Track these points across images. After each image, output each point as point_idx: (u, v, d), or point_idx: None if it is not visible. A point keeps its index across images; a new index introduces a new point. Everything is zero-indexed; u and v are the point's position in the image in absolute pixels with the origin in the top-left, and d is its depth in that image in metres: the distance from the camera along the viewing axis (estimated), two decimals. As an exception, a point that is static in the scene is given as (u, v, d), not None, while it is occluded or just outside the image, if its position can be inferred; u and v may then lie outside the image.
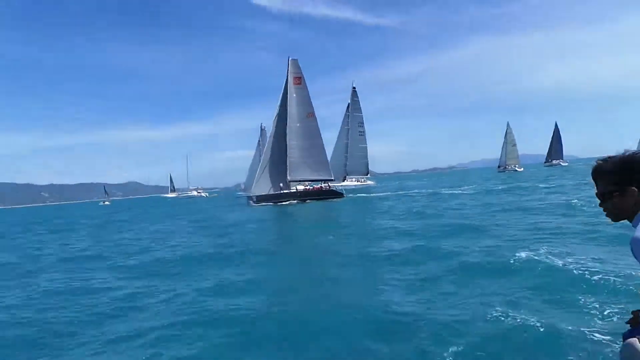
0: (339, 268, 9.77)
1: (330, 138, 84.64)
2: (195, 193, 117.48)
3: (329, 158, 72.97)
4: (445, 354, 4.53)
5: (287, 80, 46.54)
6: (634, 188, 1.79)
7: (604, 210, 1.92)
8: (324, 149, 47.75)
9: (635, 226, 1.83)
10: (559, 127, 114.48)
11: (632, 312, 2.23)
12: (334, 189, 45.37)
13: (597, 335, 4.55)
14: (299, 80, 46.72)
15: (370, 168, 76.04)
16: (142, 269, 11.26)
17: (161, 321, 6.30)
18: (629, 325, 2.20)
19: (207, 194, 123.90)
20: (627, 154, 1.83)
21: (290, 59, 47.09)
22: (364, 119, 72.29)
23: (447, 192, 39.16)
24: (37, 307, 7.86)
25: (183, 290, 8.33)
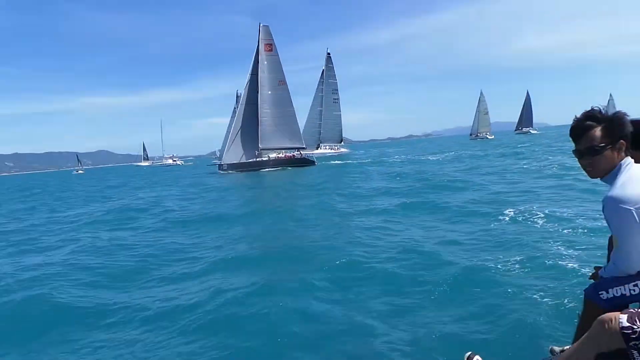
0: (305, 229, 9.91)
1: (305, 105, 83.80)
2: (170, 161, 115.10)
3: (302, 125, 72.69)
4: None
5: (258, 47, 45.49)
6: (623, 141, 1.89)
7: (585, 167, 1.98)
8: (295, 117, 47.45)
9: (610, 183, 1.92)
10: (530, 95, 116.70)
11: (595, 268, 2.30)
12: (306, 156, 45.44)
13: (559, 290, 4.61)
14: (270, 47, 45.65)
15: (345, 135, 75.99)
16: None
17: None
18: (592, 280, 2.27)
19: (182, 162, 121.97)
20: (612, 113, 1.93)
21: (261, 25, 45.72)
22: (338, 85, 71.66)
23: (423, 158, 39.97)
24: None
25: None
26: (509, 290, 4.74)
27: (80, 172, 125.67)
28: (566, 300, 4.25)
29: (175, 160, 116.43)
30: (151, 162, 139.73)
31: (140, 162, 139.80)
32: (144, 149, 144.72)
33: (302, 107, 77.96)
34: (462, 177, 18.57)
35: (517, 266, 5.60)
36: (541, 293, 4.55)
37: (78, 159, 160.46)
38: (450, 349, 3.50)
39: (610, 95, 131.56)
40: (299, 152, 45.73)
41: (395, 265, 6.21)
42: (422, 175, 21.80)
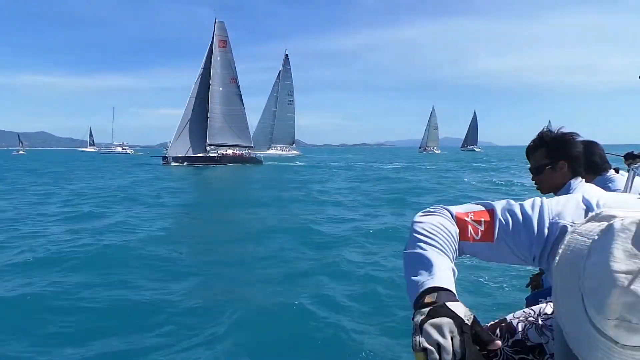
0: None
1: (261, 104, 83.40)
2: (120, 149, 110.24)
3: (255, 124, 72.22)
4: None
5: (212, 42, 45.07)
6: (563, 162, 1.94)
7: (536, 183, 2.04)
8: (245, 116, 47.44)
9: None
10: (477, 115, 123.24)
11: (532, 277, 2.28)
12: (255, 156, 45.39)
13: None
14: (225, 43, 45.41)
15: (299, 138, 76.92)
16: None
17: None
18: (529, 288, 2.23)
19: (132, 150, 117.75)
20: (558, 132, 1.99)
21: (216, 20, 45.59)
22: (294, 88, 71.97)
23: (360, 164, 41.24)
24: None
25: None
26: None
27: (21, 152, 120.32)
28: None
29: (125, 149, 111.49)
30: (98, 148, 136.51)
31: (86, 147, 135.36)
32: (91, 134, 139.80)
33: (258, 107, 77.55)
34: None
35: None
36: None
37: (20, 139, 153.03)
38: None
39: (549, 122, 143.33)
40: (247, 151, 45.63)
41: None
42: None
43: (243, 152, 45.46)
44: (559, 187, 1.98)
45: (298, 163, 48.36)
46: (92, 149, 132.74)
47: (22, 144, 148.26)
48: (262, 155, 58.01)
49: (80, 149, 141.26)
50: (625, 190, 1.96)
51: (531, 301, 1.78)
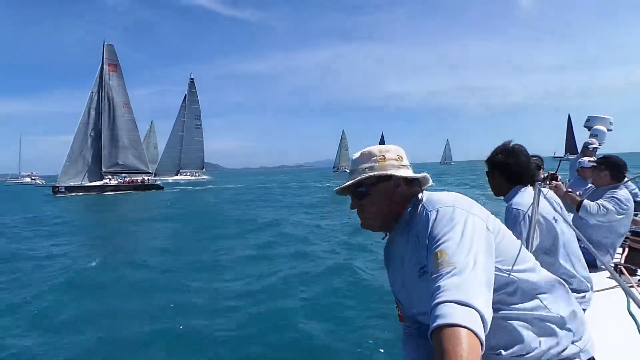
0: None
1: (168, 129, 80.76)
2: (29, 179, 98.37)
3: (161, 149, 69.99)
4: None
5: (102, 66, 43.59)
6: (496, 171, 2.21)
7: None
8: (140, 141, 46.24)
9: (507, 201, 2.20)
10: (384, 136, 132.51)
11: None
12: (158, 182, 44.28)
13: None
14: (115, 67, 44.19)
15: (217, 162, 75.08)
16: None
17: None
18: None
19: (43, 181, 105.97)
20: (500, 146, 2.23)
21: (105, 43, 44.17)
22: (201, 111, 71.03)
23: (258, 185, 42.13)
24: None
25: None
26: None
27: None
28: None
29: (34, 179, 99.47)
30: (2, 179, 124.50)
31: None
32: None
33: (165, 131, 75.00)
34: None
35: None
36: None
37: None
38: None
39: (447, 140, 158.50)
40: (147, 177, 44.39)
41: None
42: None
43: (143, 178, 43.95)
44: (503, 193, 2.24)
45: (202, 187, 47.81)
46: None
47: None
48: (169, 181, 56.58)
49: None
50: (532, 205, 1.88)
51: None
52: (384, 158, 1.34)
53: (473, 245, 1.09)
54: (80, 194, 38.56)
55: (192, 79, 70.41)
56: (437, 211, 1.18)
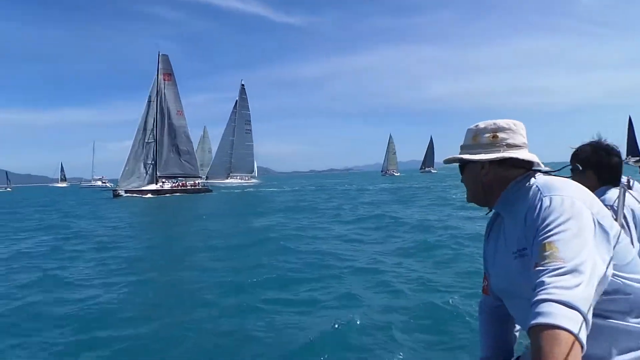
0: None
1: (220, 134, 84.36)
2: (100, 183, 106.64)
3: (214, 154, 72.72)
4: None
5: (157, 76, 46.20)
6: (590, 170, 2.05)
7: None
8: (192, 147, 48.50)
9: None
10: (433, 139, 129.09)
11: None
12: (207, 185, 46.65)
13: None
14: (169, 76, 46.55)
15: (267, 167, 77.18)
16: None
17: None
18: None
19: (111, 184, 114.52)
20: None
21: (160, 54, 46.88)
22: (251, 117, 72.88)
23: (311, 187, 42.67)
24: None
25: None
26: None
27: (8, 189, 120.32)
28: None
29: (105, 182, 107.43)
30: (68, 183, 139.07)
31: (57, 182, 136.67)
32: (62, 169, 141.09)
33: (217, 137, 77.97)
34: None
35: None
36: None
37: (7, 177, 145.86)
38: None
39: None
40: (198, 181, 46.78)
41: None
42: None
43: (194, 182, 46.10)
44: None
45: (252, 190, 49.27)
46: (63, 184, 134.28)
47: (9, 181, 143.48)
48: (220, 184, 58.93)
49: (51, 184, 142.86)
50: None
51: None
52: (496, 136, 1.31)
53: (587, 243, 1.02)
54: (137, 196, 40.90)
55: (242, 85, 72.27)
56: (552, 198, 1.12)
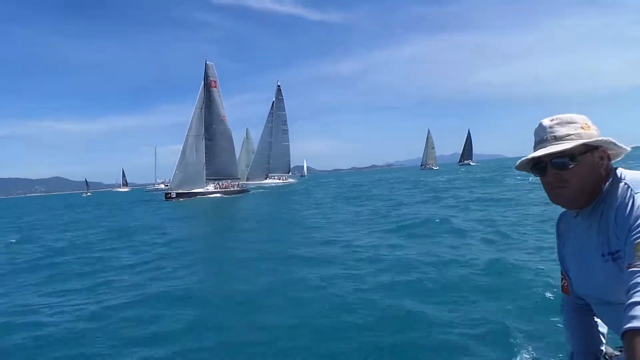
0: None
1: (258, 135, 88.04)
2: (163, 186, 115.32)
3: (253, 155, 76.49)
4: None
5: (203, 83, 49.58)
6: None
7: None
8: (233, 151, 52.21)
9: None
10: (470, 132, 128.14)
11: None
12: (246, 186, 51.10)
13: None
14: (215, 83, 49.87)
15: (309, 165, 78.55)
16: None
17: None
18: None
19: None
20: None
21: (207, 63, 50.14)
22: (287, 117, 74.82)
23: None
24: None
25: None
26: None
27: (88, 194, 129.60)
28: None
29: (167, 185, 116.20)
30: (129, 187, 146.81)
31: (120, 187, 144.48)
32: (123, 175, 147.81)
33: (256, 138, 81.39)
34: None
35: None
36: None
37: (87, 183, 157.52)
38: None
39: None
40: (237, 182, 50.82)
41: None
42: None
43: (235, 183, 50.08)
44: None
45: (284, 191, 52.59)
46: (125, 189, 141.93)
47: (88, 187, 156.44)
48: (262, 185, 63.11)
49: (114, 189, 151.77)
50: None
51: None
52: (588, 126, 1.21)
53: None
54: (186, 199, 44.25)
55: (278, 86, 74.26)
56: None
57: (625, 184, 1.14)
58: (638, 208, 1.05)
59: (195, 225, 21.32)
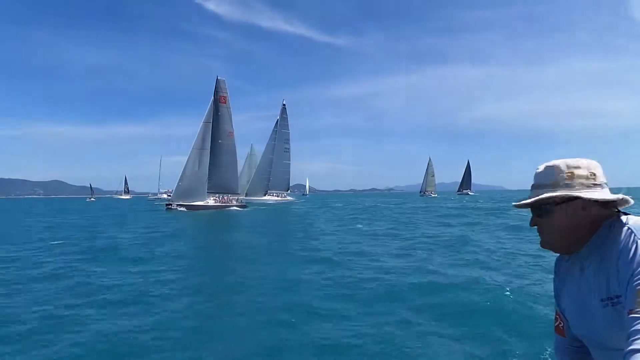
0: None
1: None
2: (165, 196, 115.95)
3: (253, 172, 77.07)
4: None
5: (214, 98, 50.74)
6: None
7: None
8: (236, 166, 53.13)
9: None
10: (470, 163, 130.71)
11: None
12: (241, 200, 52.05)
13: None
14: (225, 99, 51.11)
15: (310, 185, 78.55)
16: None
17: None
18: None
19: None
20: None
21: (218, 78, 51.54)
22: (290, 136, 75.98)
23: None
24: None
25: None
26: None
27: (92, 199, 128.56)
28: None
29: (170, 195, 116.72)
30: (130, 195, 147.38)
31: (121, 195, 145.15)
32: (125, 182, 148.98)
33: (260, 155, 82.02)
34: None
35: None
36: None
37: (91, 189, 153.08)
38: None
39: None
40: (236, 197, 51.76)
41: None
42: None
43: (234, 197, 51.04)
44: None
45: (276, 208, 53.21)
46: (127, 196, 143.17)
47: (93, 192, 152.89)
48: (259, 201, 63.48)
49: (115, 196, 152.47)
50: None
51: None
52: (572, 175, 1.21)
53: None
54: (186, 210, 44.80)
55: (284, 105, 76.15)
56: None
57: (629, 228, 1.13)
58: None
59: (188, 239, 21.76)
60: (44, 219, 35.25)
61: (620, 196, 1.20)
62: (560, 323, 1.39)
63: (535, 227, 1.28)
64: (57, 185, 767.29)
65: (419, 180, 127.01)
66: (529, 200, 1.23)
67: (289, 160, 76.11)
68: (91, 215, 40.85)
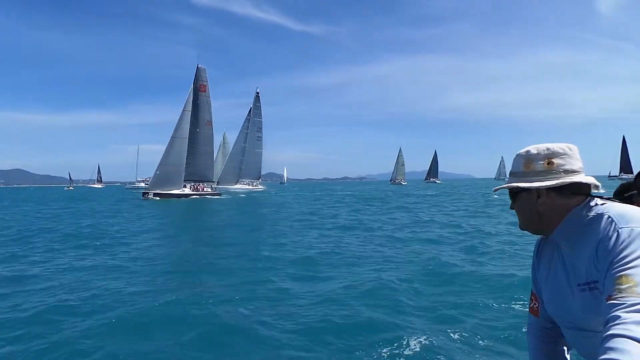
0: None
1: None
2: (143, 184, 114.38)
3: (225, 160, 76.85)
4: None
5: (193, 86, 50.43)
6: None
7: None
8: (213, 155, 53.65)
9: None
10: (437, 152, 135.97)
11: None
12: (216, 189, 53.12)
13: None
14: (205, 88, 50.82)
15: (282, 173, 77.17)
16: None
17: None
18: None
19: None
20: None
21: (198, 66, 51.05)
22: (262, 124, 75.34)
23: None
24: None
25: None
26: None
27: (70, 188, 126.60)
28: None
29: (147, 184, 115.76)
30: (103, 184, 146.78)
31: (94, 184, 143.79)
32: (99, 171, 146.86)
33: (232, 143, 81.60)
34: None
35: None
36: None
37: (70, 178, 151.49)
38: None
39: (502, 157, 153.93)
40: (211, 186, 52.74)
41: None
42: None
43: (209, 186, 51.78)
44: None
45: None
46: (99, 185, 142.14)
47: (71, 181, 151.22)
48: (231, 190, 63.96)
49: (88, 185, 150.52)
50: None
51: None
52: (529, 164, 1.26)
53: None
54: (162, 199, 44.88)
55: (257, 92, 75.09)
56: (632, 230, 1.08)
57: (609, 217, 1.15)
58: (622, 243, 1.07)
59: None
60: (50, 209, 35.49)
61: (575, 179, 1.21)
62: (535, 304, 1.42)
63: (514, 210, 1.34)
64: (19, 174, 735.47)
65: (391, 169, 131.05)
66: (497, 187, 1.37)
67: (262, 149, 74.94)
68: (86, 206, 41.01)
